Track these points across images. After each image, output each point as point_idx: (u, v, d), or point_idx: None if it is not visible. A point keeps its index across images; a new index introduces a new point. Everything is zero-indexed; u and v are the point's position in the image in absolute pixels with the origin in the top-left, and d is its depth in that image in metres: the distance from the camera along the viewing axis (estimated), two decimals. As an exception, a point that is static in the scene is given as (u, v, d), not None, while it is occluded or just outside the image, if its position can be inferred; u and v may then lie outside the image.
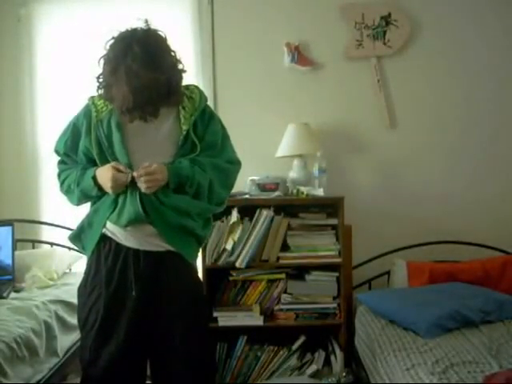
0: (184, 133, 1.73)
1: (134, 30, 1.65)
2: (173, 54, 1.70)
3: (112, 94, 1.66)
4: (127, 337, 1.69)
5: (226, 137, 1.86)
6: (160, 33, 1.70)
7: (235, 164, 1.87)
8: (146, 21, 1.67)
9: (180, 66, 1.72)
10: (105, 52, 1.66)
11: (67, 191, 1.79)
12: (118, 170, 1.64)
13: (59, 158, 1.86)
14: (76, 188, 1.74)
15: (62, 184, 1.82)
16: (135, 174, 1.63)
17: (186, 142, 1.74)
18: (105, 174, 1.66)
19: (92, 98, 1.78)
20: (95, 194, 1.73)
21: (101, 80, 1.70)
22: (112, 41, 1.66)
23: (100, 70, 1.69)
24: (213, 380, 1.96)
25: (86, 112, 1.77)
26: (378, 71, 2.99)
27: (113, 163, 1.66)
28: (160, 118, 1.73)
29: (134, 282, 1.68)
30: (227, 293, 2.71)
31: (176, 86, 1.70)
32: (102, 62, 1.67)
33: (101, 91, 1.71)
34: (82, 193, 1.74)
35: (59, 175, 1.84)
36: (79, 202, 1.80)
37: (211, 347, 1.89)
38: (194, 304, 1.78)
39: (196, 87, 1.84)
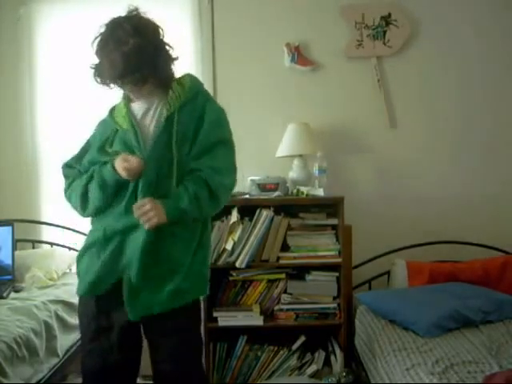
0: (163, 121, 1.70)
1: (124, 15, 1.71)
2: (162, 37, 1.72)
3: (103, 69, 1.67)
4: (118, 344, 1.73)
5: (222, 140, 1.76)
6: (150, 19, 1.72)
7: (225, 175, 1.75)
8: (137, 9, 1.71)
9: (170, 51, 1.73)
10: (97, 35, 1.69)
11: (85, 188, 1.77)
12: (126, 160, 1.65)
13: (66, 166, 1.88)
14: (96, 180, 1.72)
15: (70, 184, 1.82)
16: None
17: (166, 131, 1.70)
18: (118, 160, 1.67)
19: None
20: (113, 181, 1.69)
21: (94, 65, 1.71)
22: (103, 25, 1.70)
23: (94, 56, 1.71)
24: None
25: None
26: (378, 71, 2.99)
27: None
28: (157, 116, 1.74)
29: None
30: (227, 293, 2.71)
31: (164, 64, 1.70)
32: (94, 44, 1.69)
33: (97, 77, 1.72)
34: (104, 182, 1.71)
35: (67, 175, 1.85)
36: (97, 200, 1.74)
37: (201, 365, 1.93)
38: (188, 324, 1.80)
39: (188, 75, 1.82)
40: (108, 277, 1.70)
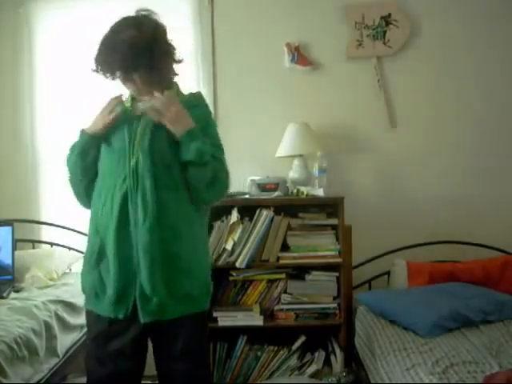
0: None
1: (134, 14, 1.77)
2: (167, 39, 1.76)
3: (102, 56, 1.72)
4: (130, 351, 1.72)
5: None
6: (158, 20, 1.77)
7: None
8: (147, 10, 1.77)
9: (173, 52, 1.76)
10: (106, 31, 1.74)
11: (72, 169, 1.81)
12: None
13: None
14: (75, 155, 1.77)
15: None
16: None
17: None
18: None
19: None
20: (88, 144, 1.75)
21: (96, 56, 1.75)
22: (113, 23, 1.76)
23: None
24: None
25: None
26: (378, 71, 2.99)
27: None
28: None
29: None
30: (227, 293, 2.71)
31: (162, 61, 1.73)
32: (101, 37, 1.74)
33: (99, 70, 1.75)
34: (81, 155, 1.76)
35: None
36: (80, 175, 1.78)
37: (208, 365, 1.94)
38: (198, 327, 1.80)
39: (199, 93, 1.88)
40: (118, 295, 1.68)
